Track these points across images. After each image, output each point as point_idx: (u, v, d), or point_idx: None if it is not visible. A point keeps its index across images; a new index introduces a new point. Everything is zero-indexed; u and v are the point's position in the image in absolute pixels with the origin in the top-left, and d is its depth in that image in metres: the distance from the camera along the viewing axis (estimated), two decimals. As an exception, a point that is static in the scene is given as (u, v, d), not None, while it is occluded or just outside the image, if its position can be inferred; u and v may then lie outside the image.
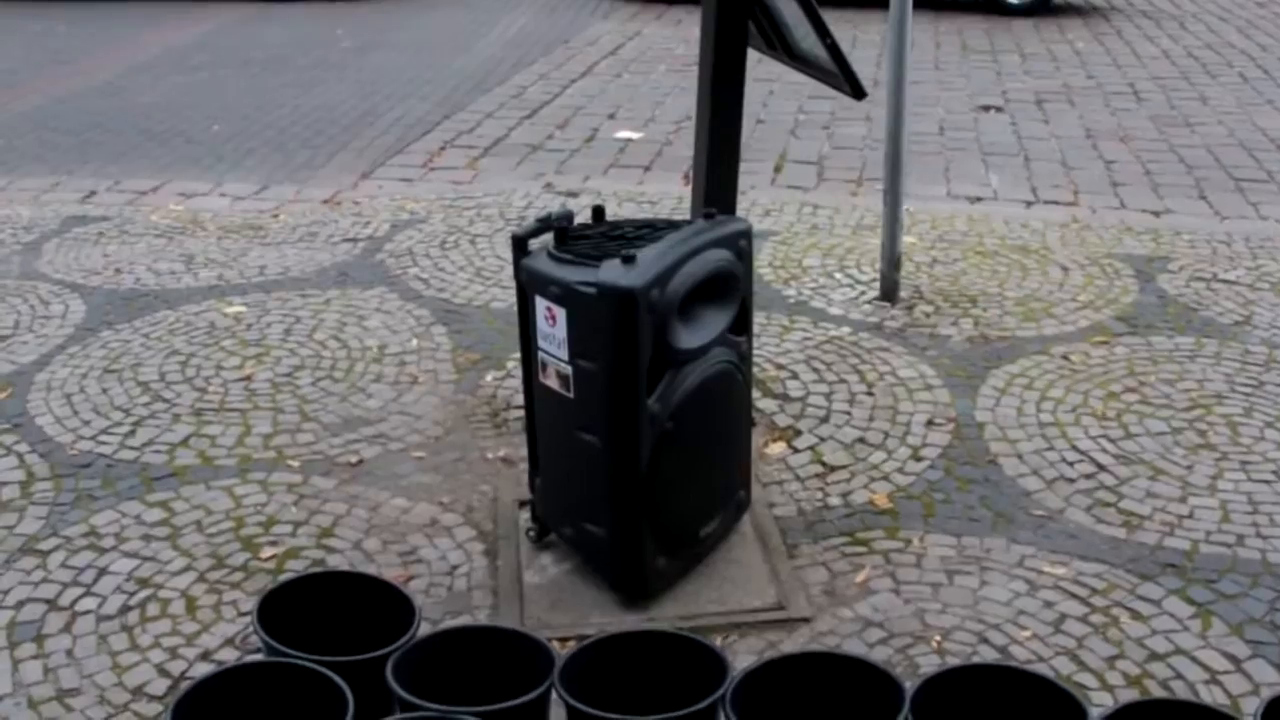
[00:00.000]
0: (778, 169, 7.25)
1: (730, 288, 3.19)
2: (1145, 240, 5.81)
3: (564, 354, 3.08)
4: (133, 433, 4.10)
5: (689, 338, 3.09)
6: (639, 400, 3.00)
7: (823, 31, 3.31)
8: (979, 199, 6.68)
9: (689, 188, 6.82)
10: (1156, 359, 4.56)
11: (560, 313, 3.05)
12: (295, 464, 3.92)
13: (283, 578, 3.28)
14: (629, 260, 2.95)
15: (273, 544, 3.51)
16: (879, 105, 8.65)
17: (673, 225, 3.23)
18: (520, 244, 3.22)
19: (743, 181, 6.86)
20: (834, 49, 3.34)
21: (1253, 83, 9.54)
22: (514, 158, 7.49)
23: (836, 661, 2.63)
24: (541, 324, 3.12)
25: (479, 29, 11.70)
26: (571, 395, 3.10)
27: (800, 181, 7.00)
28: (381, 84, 9.41)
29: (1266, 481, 3.78)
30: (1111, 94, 9.14)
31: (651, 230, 3.18)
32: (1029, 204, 6.60)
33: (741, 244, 3.21)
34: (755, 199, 6.41)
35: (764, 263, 5.46)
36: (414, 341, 4.74)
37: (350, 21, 12.01)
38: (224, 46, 10.88)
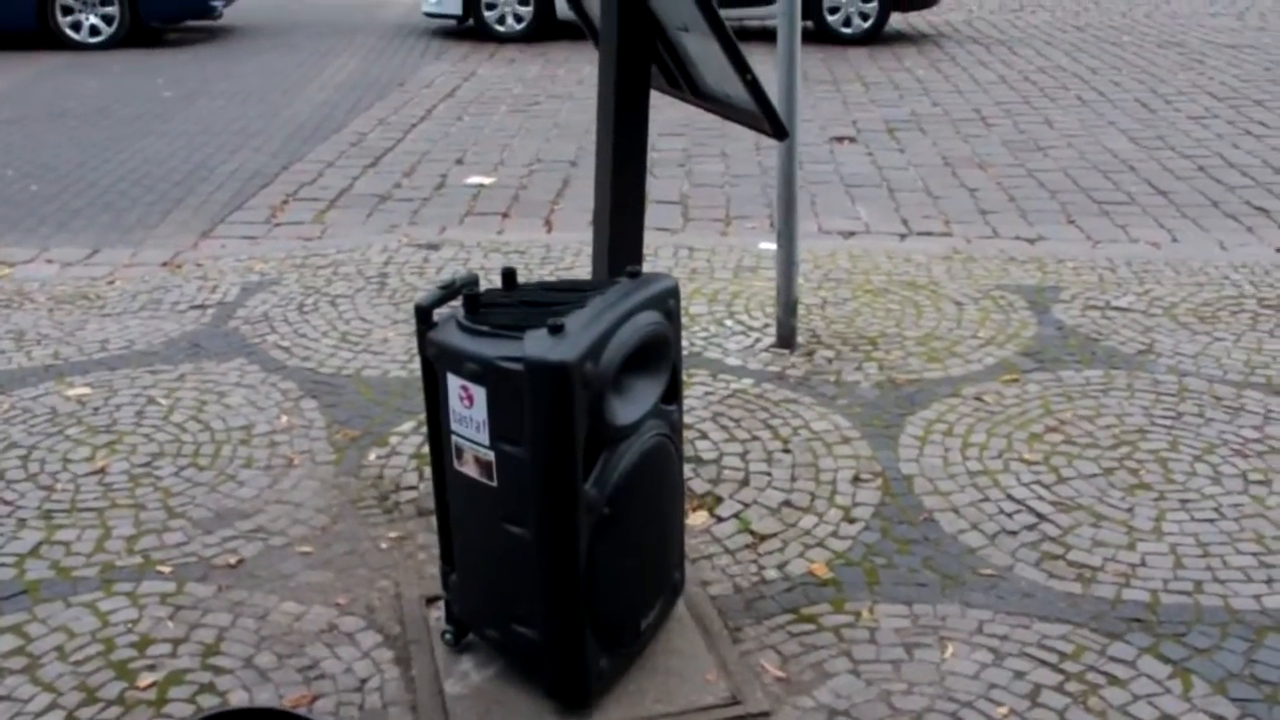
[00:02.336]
0: (641, 210, 6.98)
1: (662, 353, 2.89)
2: (1031, 269, 5.70)
3: (484, 438, 2.74)
4: (-28, 544, 3.62)
5: (624, 412, 2.78)
6: (574, 487, 2.68)
7: (742, 68, 3.04)
8: (852, 233, 6.51)
9: (553, 234, 6.53)
10: (1070, 395, 4.40)
11: (479, 392, 2.71)
12: (166, 569, 3.49)
13: None
14: (557, 330, 2.63)
15: (151, 668, 3.08)
16: (733, 140, 8.52)
17: (592, 287, 2.92)
18: (424, 315, 2.87)
19: (609, 225, 6.64)
20: (754, 85, 3.07)
21: (1091, 104, 9.65)
22: (363, 209, 7.09)
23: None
24: (455, 405, 2.78)
25: (306, 74, 11.24)
26: (495, 484, 2.76)
27: (667, 223, 6.75)
28: (211, 135, 8.90)
29: (1210, 520, 3.63)
30: (959, 120, 9.13)
31: (572, 293, 2.86)
32: (903, 236, 6.45)
33: (670, 304, 2.92)
34: (626, 243, 6.12)
35: (649, 312, 5.17)
36: (283, 419, 4.33)
37: (170, 70, 11.43)
38: (34, 99, 10.23)
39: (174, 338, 5.06)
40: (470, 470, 2.81)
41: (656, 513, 2.98)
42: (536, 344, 2.62)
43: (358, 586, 3.42)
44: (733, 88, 3.19)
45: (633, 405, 2.81)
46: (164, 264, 6.09)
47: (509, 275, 2.99)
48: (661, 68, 3.50)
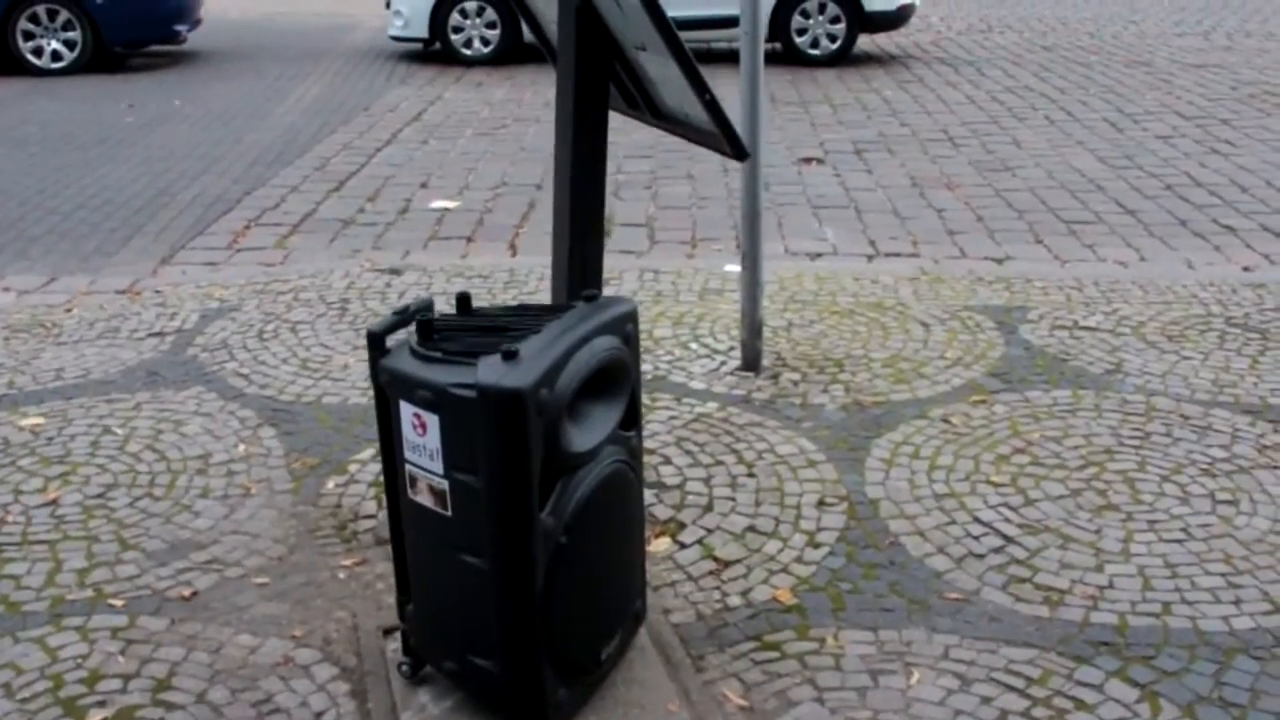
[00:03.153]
0: (607, 233, 6.93)
1: (620, 378, 2.84)
2: (998, 290, 5.68)
3: (438, 467, 2.68)
4: (-81, 579, 3.53)
5: (581, 439, 2.73)
6: (530, 515, 2.62)
7: (701, 88, 3.00)
8: (819, 255, 6.49)
9: (517, 258, 6.48)
10: (1038, 415, 4.36)
11: (432, 420, 2.65)
12: (118, 603, 3.41)
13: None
14: (511, 356, 2.58)
15: (100, 705, 3.00)
16: (700, 162, 8.49)
17: (549, 311, 2.87)
18: (377, 341, 2.81)
19: (575, 248, 6.59)
20: (712, 106, 3.03)
21: (1059, 124, 9.67)
22: (326, 234, 7.03)
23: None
24: (409, 433, 2.72)
25: (271, 99, 11.18)
26: (449, 513, 2.70)
27: (632, 245, 6.71)
28: (173, 160, 8.83)
29: (1178, 541, 3.59)
30: (927, 141, 9.13)
31: (527, 318, 2.81)
32: (870, 257, 6.43)
33: (628, 328, 2.87)
34: (592, 266, 6.07)
35: (614, 335, 5.13)
36: (241, 447, 4.26)
37: (134, 95, 11.35)
38: (-5, 126, 10.14)
39: (131, 366, 4.98)
40: (425, 499, 2.75)
41: (616, 541, 2.93)
42: (490, 370, 2.57)
43: (314, 618, 3.34)
44: (692, 108, 3.15)
45: (590, 432, 2.76)
46: (123, 291, 6.01)
47: (463, 300, 2.94)
48: (620, 88, 3.45)
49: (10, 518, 3.84)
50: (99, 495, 3.96)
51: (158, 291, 5.97)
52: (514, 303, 5.53)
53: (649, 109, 3.43)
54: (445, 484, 2.68)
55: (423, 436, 2.69)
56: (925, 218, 7.13)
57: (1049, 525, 3.68)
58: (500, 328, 2.78)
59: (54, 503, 3.92)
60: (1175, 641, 3.16)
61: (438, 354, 2.69)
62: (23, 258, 6.66)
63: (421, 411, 2.67)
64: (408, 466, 2.76)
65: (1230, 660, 3.08)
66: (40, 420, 4.48)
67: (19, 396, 4.71)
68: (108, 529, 3.77)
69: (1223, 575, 3.44)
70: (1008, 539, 3.61)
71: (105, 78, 12.29)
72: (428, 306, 2.85)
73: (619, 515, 2.92)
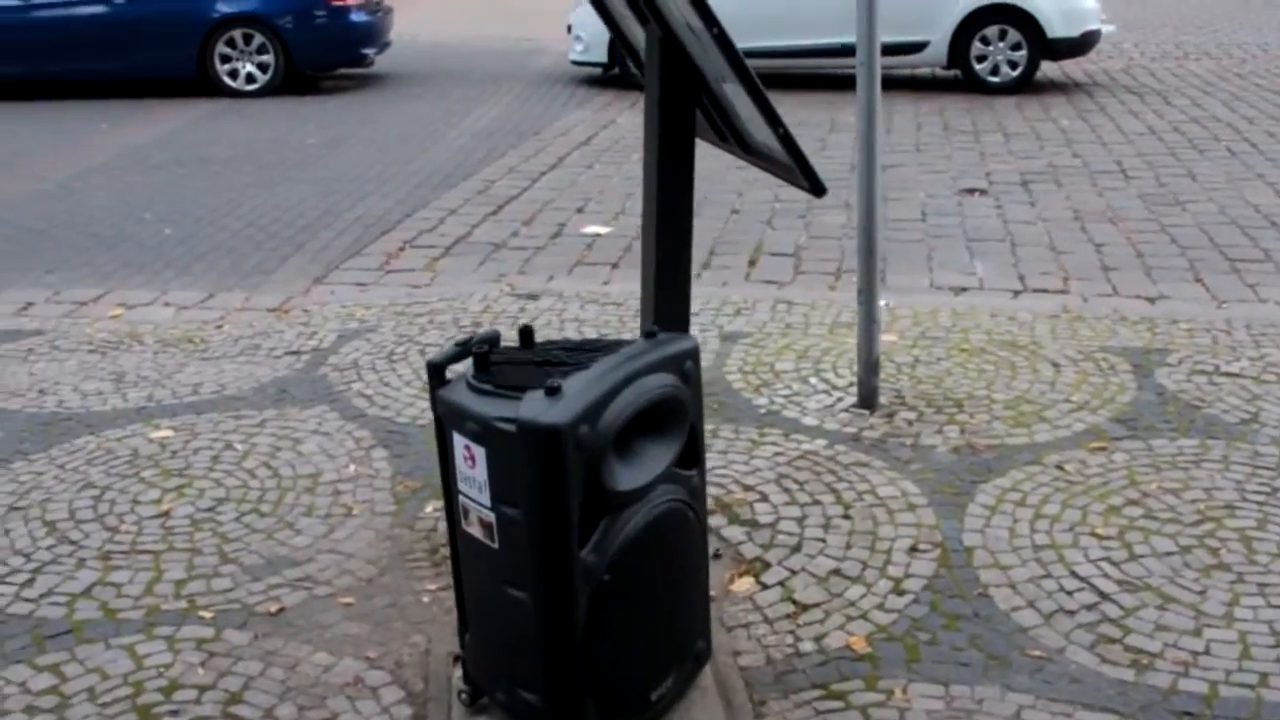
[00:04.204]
0: (752, 262, 6.90)
1: (675, 417, 2.81)
2: (1141, 330, 5.45)
3: (486, 499, 2.69)
4: (31, 581, 3.69)
5: (628, 477, 2.70)
6: (570, 551, 2.61)
7: (775, 121, 2.96)
8: (964, 289, 6.32)
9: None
10: (1159, 465, 4.17)
11: (479, 452, 2.67)
12: (208, 615, 3.51)
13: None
14: (553, 392, 2.58)
15: (174, 714, 3.09)
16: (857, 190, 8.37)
17: (608, 347, 2.86)
18: (437, 371, 2.85)
19: (715, 277, 6.59)
20: (787, 140, 2.99)
21: (1241, 157, 9.26)
22: (476, 257, 7.14)
23: None
24: (460, 464, 2.74)
25: (450, 121, 11.44)
26: (496, 545, 2.71)
27: (776, 276, 6.65)
28: (343, 181, 9.10)
29: (1289, 608, 3.39)
30: (1098, 173, 8.84)
31: (584, 353, 2.81)
32: (1017, 293, 6.24)
33: (687, 366, 2.84)
34: (727, 296, 6.06)
35: (734, 368, 5.09)
36: (351, 468, 4.35)
37: (318, 117, 11.75)
38: (185, 145, 10.60)
39: (264, 383, 5.14)
40: (475, 531, 2.77)
41: (669, 580, 2.89)
42: (531, 406, 2.57)
43: (391, 640, 3.39)
44: (774, 141, 3.11)
45: (639, 470, 2.73)
46: (273, 309, 6.21)
47: (526, 333, 2.95)
48: (709, 120, 3.43)
49: (124, 527, 3.99)
50: (209, 509, 4.09)
51: (305, 310, 6.15)
52: (629, 334, 5.52)
53: (737, 142, 3.40)
54: (492, 516, 2.69)
55: (473, 469, 2.70)
56: (1082, 252, 6.89)
57: (1150, 583, 3.51)
58: (554, 362, 2.78)
59: (166, 514, 4.06)
60: (1267, 716, 2.97)
61: (489, 387, 2.71)
62: (187, 274, 6.94)
63: (471, 444, 2.68)
64: (460, 498, 2.78)
65: (1326, 739, 2.90)
66: (169, 433, 4.66)
67: (155, 409, 4.90)
68: (211, 542, 3.89)
69: (1333, 646, 3.23)
70: (1103, 595, 3.46)
71: (295, 99, 12.75)
72: (490, 339, 2.87)
73: (675, 555, 2.89)
